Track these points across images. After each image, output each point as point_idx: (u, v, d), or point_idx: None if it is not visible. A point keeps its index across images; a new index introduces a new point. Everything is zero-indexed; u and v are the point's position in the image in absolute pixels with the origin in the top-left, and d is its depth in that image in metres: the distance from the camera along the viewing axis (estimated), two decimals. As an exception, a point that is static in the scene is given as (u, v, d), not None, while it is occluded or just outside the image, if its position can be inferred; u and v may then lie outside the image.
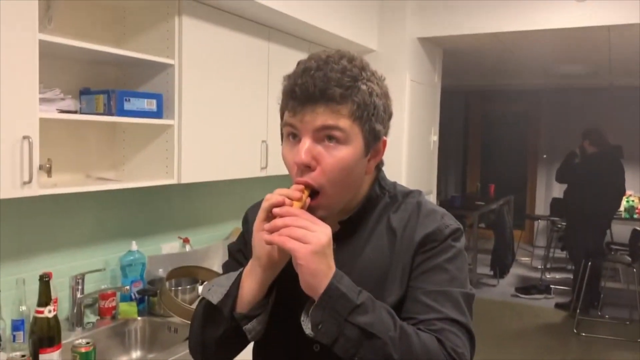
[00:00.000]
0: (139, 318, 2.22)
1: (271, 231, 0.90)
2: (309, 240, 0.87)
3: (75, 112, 1.92)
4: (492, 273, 6.32)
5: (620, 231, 5.85)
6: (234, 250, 1.15)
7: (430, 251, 0.99)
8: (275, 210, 0.91)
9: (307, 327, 0.91)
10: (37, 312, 1.75)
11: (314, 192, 0.95)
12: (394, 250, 1.01)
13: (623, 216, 5.80)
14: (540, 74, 6.63)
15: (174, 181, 2.16)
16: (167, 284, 2.23)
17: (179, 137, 2.15)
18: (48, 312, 1.74)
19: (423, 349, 0.89)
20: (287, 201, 0.92)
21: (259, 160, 2.64)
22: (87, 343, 1.79)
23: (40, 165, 1.62)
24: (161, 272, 2.38)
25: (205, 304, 1.03)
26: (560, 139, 7.46)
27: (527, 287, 5.86)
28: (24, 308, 1.88)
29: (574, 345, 4.57)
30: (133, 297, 2.27)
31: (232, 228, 2.97)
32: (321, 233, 0.89)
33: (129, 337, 2.19)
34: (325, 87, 0.92)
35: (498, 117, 8.48)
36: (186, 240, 2.64)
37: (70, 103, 1.90)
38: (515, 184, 7.96)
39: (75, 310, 2.06)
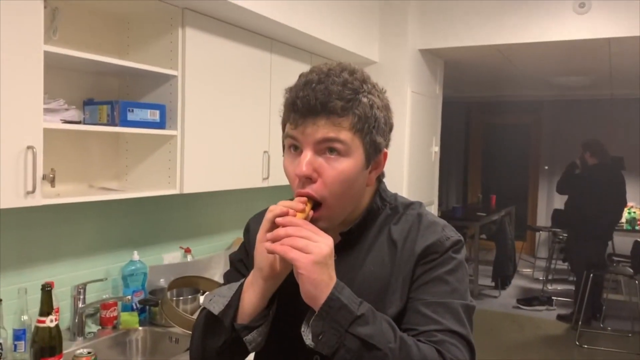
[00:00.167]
0: (140, 328, 2.22)
1: (273, 240, 0.90)
2: (311, 250, 0.88)
3: (79, 122, 1.94)
4: (493, 284, 6.30)
5: (622, 243, 5.83)
6: (235, 260, 1.15)
7: (431, 263, 0.99)
8: (278, 220, 0.92)
9: (307, 337, 0.91)
10: (39, 321, 1.75)
11: (316, 204, 0.96)
12: (395, 262, 1.01)
13: (625, 228, 5.79)
14: (541, 86, 6.64)
15: (176, 191, 2.17)
16: (168, 294, 2.23)
17: (182, 148, 2.16)
18: (50, 321, 1.75)
19: (423, 360, 0.89)
20: (291, 212, 0.93)
21: (261, 171, 2.65)
22: (89, 353, 1.80)
23: (43, 175, 1.63)
24: (162, 282, 2.39)
25: (206, 314, 1.04)
26: (561, 149, 7.46)
27: (528, 299, 5.83)
28: (25, 317, 1.88)
29: (576, 358, 4.54)
30: (134, 307, 2.27)
31: (234, 238, 2.97)
32: (323, 244, 0.89)
33: (130, 347, 2.19)
34: (326, 100, 0.93)
35: (499, 128, 8.48)
36: (188, 250, 2.65)
37: (74, 113, 1.91)
38: (516, 195, 7.95)
39: (76, 320, 2.06)
